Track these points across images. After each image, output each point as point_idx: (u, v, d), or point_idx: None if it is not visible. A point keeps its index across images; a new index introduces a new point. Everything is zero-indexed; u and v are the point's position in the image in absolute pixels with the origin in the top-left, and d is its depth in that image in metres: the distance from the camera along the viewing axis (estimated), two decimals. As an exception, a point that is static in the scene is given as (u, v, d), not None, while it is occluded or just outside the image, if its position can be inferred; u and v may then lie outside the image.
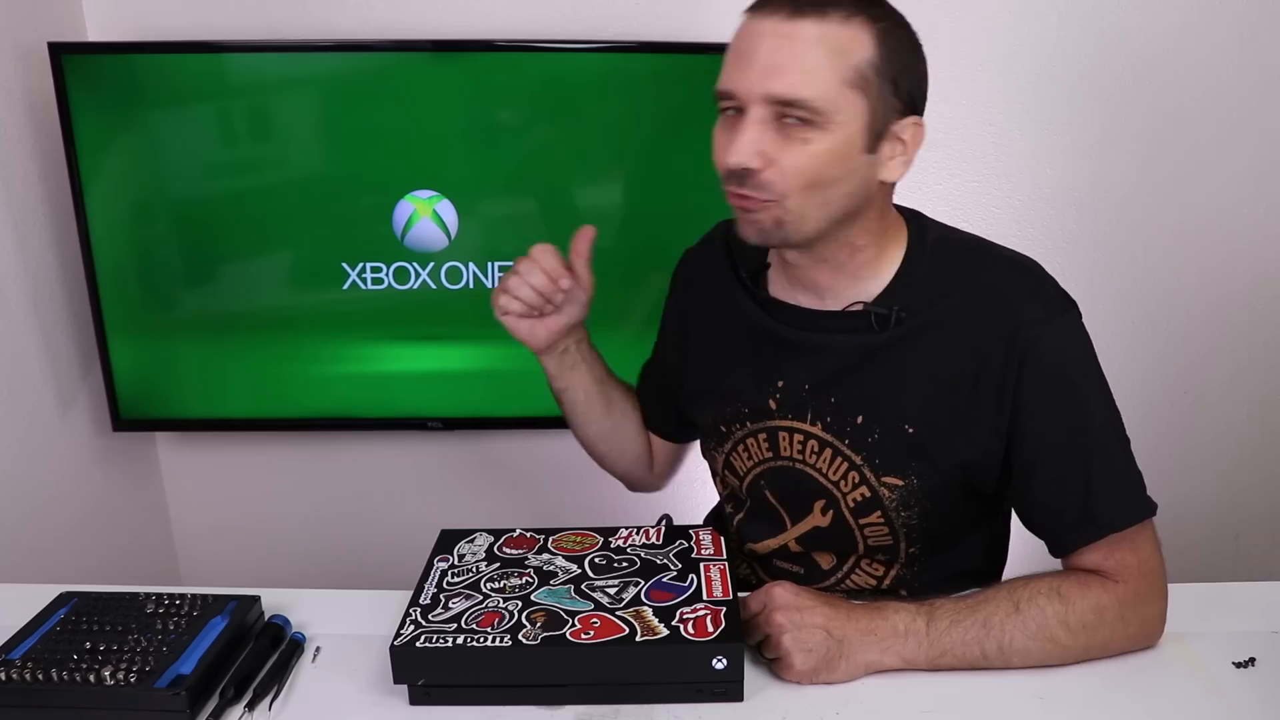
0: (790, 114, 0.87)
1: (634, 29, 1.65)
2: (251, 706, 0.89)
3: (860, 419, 1.00)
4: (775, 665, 0.92)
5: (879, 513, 1.02)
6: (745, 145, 0.88)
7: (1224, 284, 1.81)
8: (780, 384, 1.03)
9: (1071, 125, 1.72)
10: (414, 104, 1.62)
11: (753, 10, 0.91)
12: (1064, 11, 1.66)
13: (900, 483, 1.00)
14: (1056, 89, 1.70)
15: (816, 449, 1.03)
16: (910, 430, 0.98)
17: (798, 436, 1.03)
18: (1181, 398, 1.88)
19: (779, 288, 1.05)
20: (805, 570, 1.09)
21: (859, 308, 0.98)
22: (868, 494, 1.01)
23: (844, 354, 1.00)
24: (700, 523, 1.20)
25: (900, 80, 0.91)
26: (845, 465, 1.01)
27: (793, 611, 0.91)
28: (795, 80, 0.86)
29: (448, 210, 1.66)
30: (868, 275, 0.99)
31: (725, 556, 1.02)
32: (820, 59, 0.86)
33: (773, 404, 1.04)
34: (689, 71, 1.61)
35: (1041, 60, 1.68)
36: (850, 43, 0.87)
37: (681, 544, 1.05)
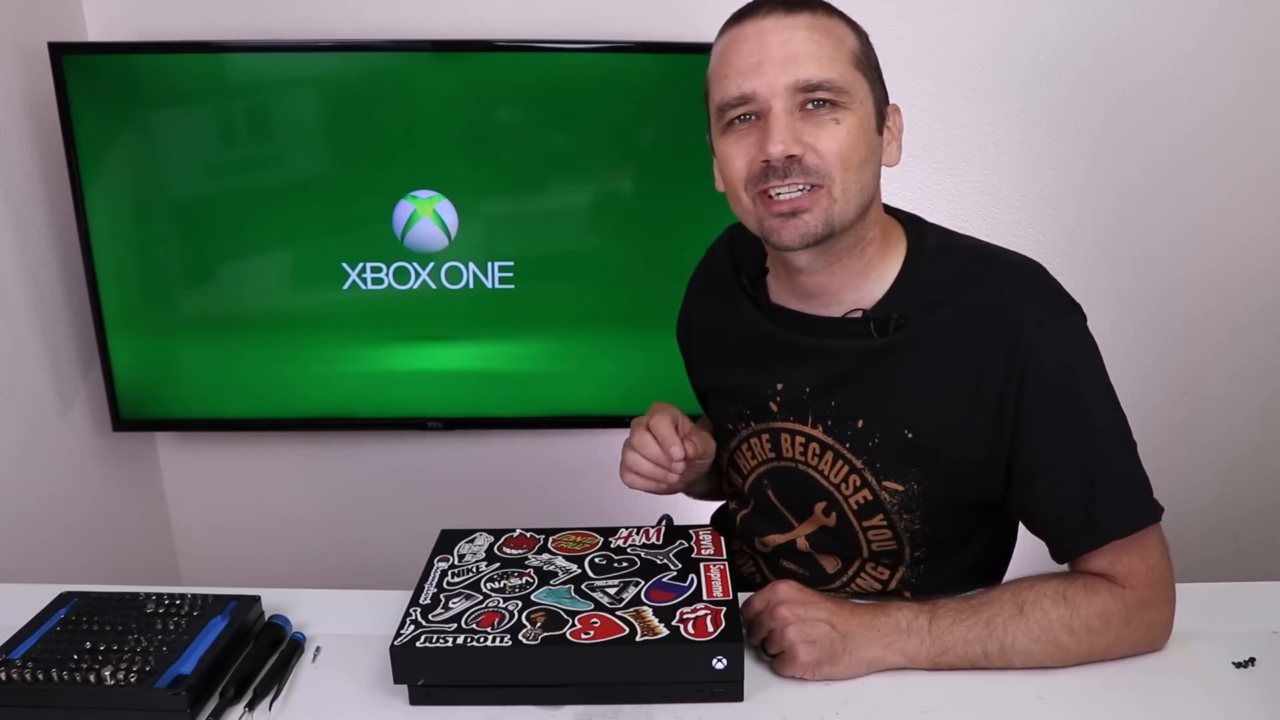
0: (817, 97, 0.89)
1: (634, 29, 1.66)
2: (251, 706, 0.89)
3: (860, 423, 1.00)
4: (778, 661, 0.92)
5: (881, 515, 1.02)
6: (785, 134, 0.88)
7: (1224, 285, 1.81)
8: (780, 386, 1.04)
9: (1071, 125, 1.72)
10: (414, 104, 1.62)
11: (740, 19, 0.93)
12: (1064, 12, 1.66)
13: (901, 488, 1.00)
14: (1056, 89, 1.70)
15: (818, 451, 1.03)
16: (909, 435, 0.98)
17: (799, 439, 1.04)
18: (1182, 398, 1.88)
19: (779, 294, 1.05)
20: (810, 573, 1.09)
21: (859, 314, 0.99)
22: (869, 497, 1.01)
23: (844, 359, 0.99)
24: (701, 523, 1.20)
25: (877, 69, 0.96)
26: (846, 469, 1.02)
27: (797, 605, 0.92)
28: (816, 64, 0.89)
29: (448, 210, 1.66)
30: (871, 277, 0.98)
31: (725, 556, 1.02)
32: (827, 43, 0.90)
33: (774, 406, 1.04)
34: (689, 71, 1.60)
35: (1042, 61, 1.68)
36: (840, 31, 0.92)
37: (681, 544, 1.05)
